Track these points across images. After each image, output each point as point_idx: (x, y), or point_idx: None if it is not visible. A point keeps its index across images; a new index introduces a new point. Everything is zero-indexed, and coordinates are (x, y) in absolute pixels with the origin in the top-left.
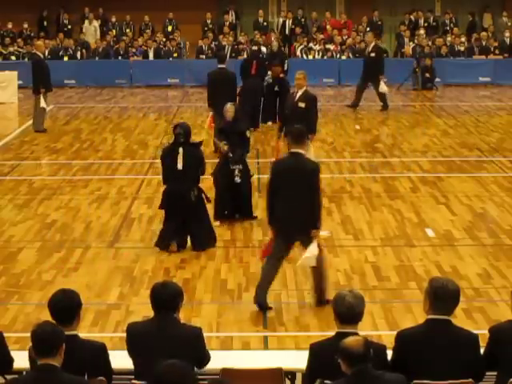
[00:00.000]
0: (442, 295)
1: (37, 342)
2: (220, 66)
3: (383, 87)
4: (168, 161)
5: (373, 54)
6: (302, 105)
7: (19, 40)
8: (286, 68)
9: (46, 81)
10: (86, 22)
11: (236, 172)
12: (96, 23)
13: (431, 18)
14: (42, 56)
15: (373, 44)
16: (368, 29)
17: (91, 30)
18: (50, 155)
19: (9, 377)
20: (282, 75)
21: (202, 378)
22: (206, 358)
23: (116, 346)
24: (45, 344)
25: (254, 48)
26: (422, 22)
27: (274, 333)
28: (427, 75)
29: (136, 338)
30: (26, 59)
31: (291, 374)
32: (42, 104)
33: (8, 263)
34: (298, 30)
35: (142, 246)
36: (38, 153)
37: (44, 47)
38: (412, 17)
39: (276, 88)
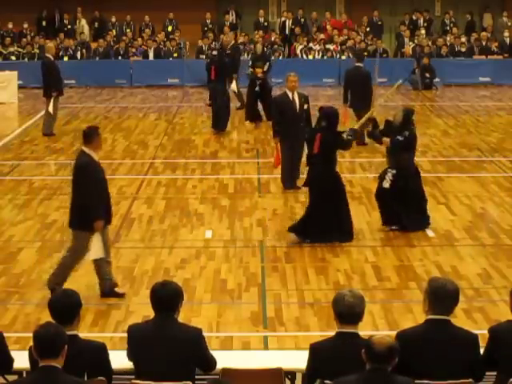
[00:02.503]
0: (442, 295)
1: (39, 343)
2: (357, 64)
3: (234, 86)
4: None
5: (228, 52)
6: (306, 106)
7: (24, 39)
8: (265, 69)
9: (58, 84)
10: (77, 21)
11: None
12: (84, 22)
13: (428, 17)
14: (52, 58)
15: (231, 43)
16: (368, 29)
17: (80, 29)
18: (50, 155)
19: (9, 377)
20: (260, 75)
21: (202, 378)
22: (209, 359)
23: (116, 345)
24: (47, 345)
25: (214, 53)
26: (422, 22)
27: (273, 333)
28: (427, 75)
29: (137, 340)
30: (26, 59)
31: (291, 374)
32: (50, 108)
33: (8, 263)
34: (297, 29)
35: (142, 246)
36: (37, 153)
37: (55, 49)
38: (413, 17)
39: (257, 88)
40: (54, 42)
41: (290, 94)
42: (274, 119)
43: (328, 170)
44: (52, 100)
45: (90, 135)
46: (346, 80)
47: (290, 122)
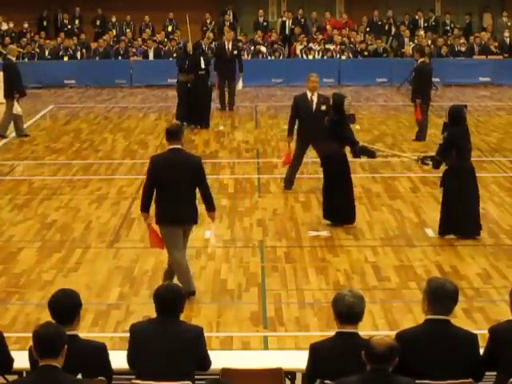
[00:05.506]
0: (441, 295)
1: (39, 342)
2: (421, 59)
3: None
4: None
5: (235, 52)
6: (323, 107)
7: (24, 39)
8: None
9: (21, 86)
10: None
11: None
12: (5, 25)
13: (432, 18)
14: (14, 60)
15: (231, 42)
16: (368, 29)
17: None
18: (50, 155)
19: (9, 377)
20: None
21: (202, 378)
22: (207, 359)
23: (116, 345)
24: (47, 345)
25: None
26: (421, 22)
27: (274, 333)
28: None
29: (139, 339)
30: (26, 59)
31: (291, 374)
32: (18, 110)
33: (8, 263)
34: (297, 29)
35: (142, 246)
36: (37, 153)
37: (17, 51)
38: (415, 16)
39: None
40: (15, 45)
41: (309, 95)
42: (289, 118)
43: (335, 149)
44: (15, 102)
45: (179, 133)
46: (425, 74)
47: (304, 121)
